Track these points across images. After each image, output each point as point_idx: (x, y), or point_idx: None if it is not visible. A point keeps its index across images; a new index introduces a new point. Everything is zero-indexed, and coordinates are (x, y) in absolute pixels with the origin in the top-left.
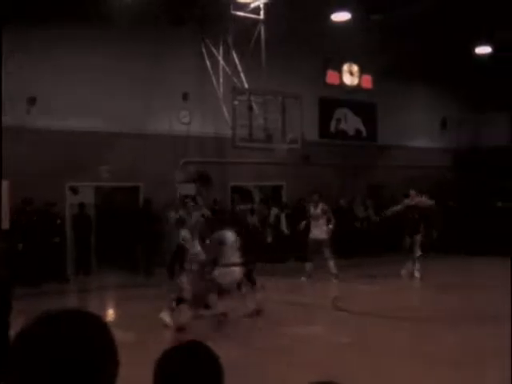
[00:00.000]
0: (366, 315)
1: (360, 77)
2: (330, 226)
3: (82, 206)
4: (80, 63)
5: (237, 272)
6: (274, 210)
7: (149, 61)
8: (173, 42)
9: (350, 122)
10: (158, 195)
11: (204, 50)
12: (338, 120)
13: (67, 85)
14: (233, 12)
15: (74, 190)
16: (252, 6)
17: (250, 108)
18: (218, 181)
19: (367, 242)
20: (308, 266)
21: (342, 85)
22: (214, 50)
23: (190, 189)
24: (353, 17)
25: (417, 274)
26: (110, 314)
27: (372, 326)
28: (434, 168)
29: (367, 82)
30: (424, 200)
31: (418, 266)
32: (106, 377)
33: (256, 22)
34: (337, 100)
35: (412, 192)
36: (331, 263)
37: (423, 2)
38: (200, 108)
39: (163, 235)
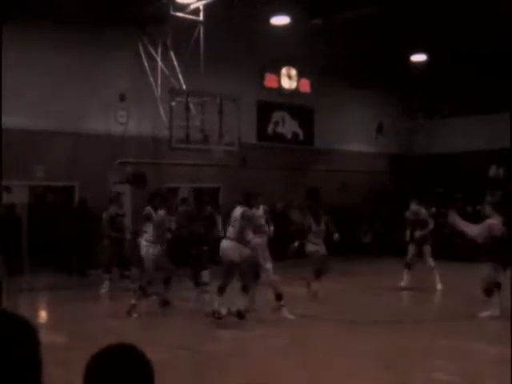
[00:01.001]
0: (302, 318)
1: (298, 81)
2: (271, 228)
3: (10, 207)
4: (15, 61)
5: None
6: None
7: (86, 60)
8: (111, 41)
9: (287, 126)
10: (93, 195)
11: (142, 51)
12: (276, 123)
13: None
14: (172, 13)
15: (8, 189)
16: (192, 7)
17: (188, 109)
18: (153, 182)
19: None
20: None
21: (280, 88)
22: (153, 51)
23: (124, 189)
24: (292, 21)
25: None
26: (42, 315)
27: (309, 329)
28: (369, 173)
29: (305, 85)
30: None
31: None
32: (29, 374)
33: (195, 23)
34: (275, 103)
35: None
36: (268, 265)
37: (362, 9)
38: (137, 108)
39: (97, 235)
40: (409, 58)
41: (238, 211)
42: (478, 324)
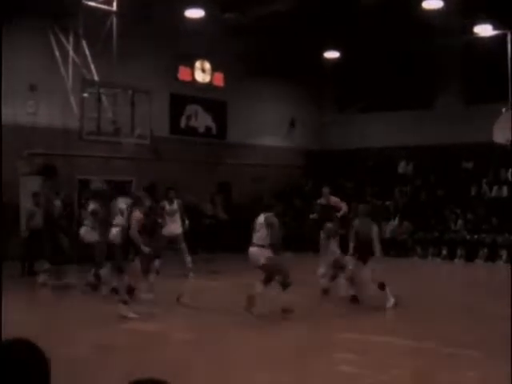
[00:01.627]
0: (210, 311)
1: (212, 74)
2: (187, 222)
3: None
4: None
5: None
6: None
7: None
8: (21, 30)
9: (200, 119)
10: (2, 187)
11: (53, 40)
12: (189, 117)
13: None
14: (84, 1)
15: None
16: None
17: (99, 101)
18: (64, 174)
19: (214, 239)
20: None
21: (193, 81)
22: (64, 40)
23: (35, 181)
24: (206, 14)
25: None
26: None
27: (215, 323)
28: (282, 167)
29: (219, 79)
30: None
31: None
32: None
33: (108, 13)
34: (188, 96)
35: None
36: (188, 258)
37: (277, 3)
38: (47, 99)
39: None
40: (322, 54)
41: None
42: (378, 316)
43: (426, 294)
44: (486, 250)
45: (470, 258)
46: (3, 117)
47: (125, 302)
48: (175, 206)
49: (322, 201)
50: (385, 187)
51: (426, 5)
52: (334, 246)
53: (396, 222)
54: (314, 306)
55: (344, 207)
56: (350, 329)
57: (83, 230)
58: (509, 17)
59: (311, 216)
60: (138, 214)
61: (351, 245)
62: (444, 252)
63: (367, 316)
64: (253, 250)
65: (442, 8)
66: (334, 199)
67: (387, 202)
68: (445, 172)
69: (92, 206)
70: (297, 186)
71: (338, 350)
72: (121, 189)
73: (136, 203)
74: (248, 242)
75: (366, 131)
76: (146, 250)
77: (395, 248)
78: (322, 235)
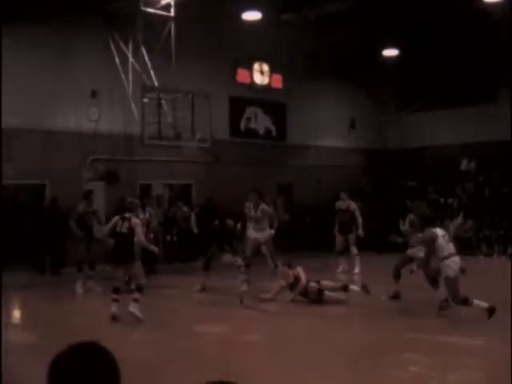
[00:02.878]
0: (274, 313)
1: (270, 76)
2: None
3: None
4: None
5: None
6: (184, 209)
7: (56, 57)
8: (81, 38)
9: (259, 121)
10: (65, 193)
11: (113, 47)
12: (248, 119)
13: None
14: (143, 8)
15: None
16: (163, 2)
17: (160, 106)
18: (126, 179)
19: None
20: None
21: (252, 84)
22: (124, 47)
23: (98, 187)
24: (264, 16)
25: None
26: (14, 314)
27: (279, 324)
28: (342, 167)
29: (277, 81)
30: (353, 203)
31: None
32: None
33: (167, 19)
34: (247, 99)
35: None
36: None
37: (333, 3)
38: (109, 105)
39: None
40: (381, 52)
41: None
42: (442, 316)
43: (491, 293)
44: None
45: None
46: (67, 124)
47: None
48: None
49: (340, 205)
50: (447, 185)
51: None
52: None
53: (460, 219)
54: (375, 304)
55: (357, 212)
56: (414, 328)
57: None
58: None
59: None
60: None
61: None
62: (510, 250)
63: (431, 315)
64: None
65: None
66: (353, 205)
67: (450, 200)
68: (509, 168)
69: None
70: (358, 186)
71: (405, 350)
72: (182, 192)
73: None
74: (309, 242)
75: (426, 129)
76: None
77: (460, 246)
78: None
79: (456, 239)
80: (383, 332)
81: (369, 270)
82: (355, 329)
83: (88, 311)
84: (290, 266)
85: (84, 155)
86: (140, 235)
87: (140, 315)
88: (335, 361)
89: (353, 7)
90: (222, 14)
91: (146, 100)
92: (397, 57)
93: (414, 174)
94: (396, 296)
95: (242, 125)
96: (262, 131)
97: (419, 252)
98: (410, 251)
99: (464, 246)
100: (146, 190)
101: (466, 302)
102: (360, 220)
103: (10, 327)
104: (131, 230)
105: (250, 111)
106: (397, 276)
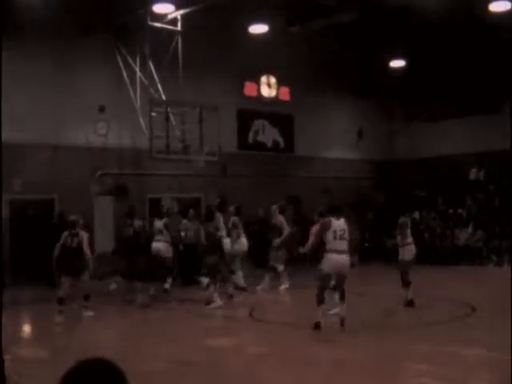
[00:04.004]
0: (283, 325)
1: (278, 88)
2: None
3: None
4: None
5: None
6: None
7: (63, 71)
8: (88, 52)
9: (267, 134)
10: (74, 208)
11: (120, 61)
12: (256, 131)
13: None
14: (150, 23)
15: None
16: (169, 17)
17: (167, 119)
18: (135, 193)
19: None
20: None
21: (259, 96)
22: (131, 61)
23: (108, 201)
24: (271, 29)
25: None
26: (25, 329)
27: (288, 337)
28: (351, 179)
29: (285, 93)
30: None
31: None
32: None
33: (173, 33)
34: (255, 111)
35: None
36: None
37: (340, 16)
38: (117, 119)
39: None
40: (388, 63)
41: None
42: (452, 327)
43: (501, 303)
44: None
45: None
46: (76, 139)
47: None
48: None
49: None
50: (457, 195)
51: (493, 7)
52: None
53: (470, 229)
54: (383, 316)
55: (286, 229)
56: (425, 340)
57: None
58: None
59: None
60: None
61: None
62: None
63: (441, 326)
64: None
65: (510, 9)
66: (280, 219)
67: (459, 210)
68: None
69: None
70: (368, 197)
71: (417, 361)
72: (190, 206)
73: None
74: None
75: (434, 139)
76: None
77: (470, 256)
78: None
79: (466, 249)
80: (395, 344)
81: (382, 282)
82: (366, 340)
83: (100, 325)
84: None
85: (93, 169)
86: (86, 248)
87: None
88: (346, 373)
89: (359, 18)
90: (229, 28)
91: (153, 114)
92: (404, 67)
93: (423, 184)
94: (410, 303)
95: (250, 137)
96: (269, 143)
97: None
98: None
99: (474, 256)
100: (155, 204)
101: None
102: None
103: (21, 341)
104: (79, 244)
105: (257, 124)
106: (405, 284)
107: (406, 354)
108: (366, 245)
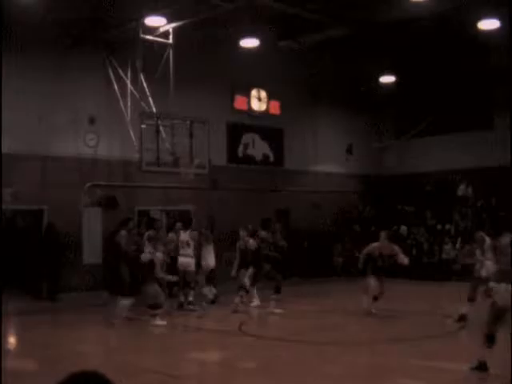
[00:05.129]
0: (272, 339)
1: (268, 102)
2: None
3: None
4: None
5: None
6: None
7: (55, 83)
8: (80, 64)
9: (257, 147)
10: (63, 219)
11: (112, 73)
12: (246, 145)
13: None
14: (141, 36)
15: None
16: (161, 30)
17: (158, 132)
18: (124, 205)
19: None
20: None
21: (249, 110)
22: (122, 74)
23: (97, 213)
24: (261, 43)
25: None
26: (11, 341)
27: (277, 351)
28: (340, 193)
29: (275, 107)
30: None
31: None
32: None
33: (165, 45)
34: (245, 125)
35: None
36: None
37: (330, 31)
38: (107, 131)
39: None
40: (378, 79)
41: None
42: (441, 341)
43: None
44: None
45: None
46: (66, 150)
47: None
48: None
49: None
50: (445, 211)
51: (482, 25)
52: None
53: (458, 245)
54: (372, 330)
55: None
56: (413, 354)
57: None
58: None
59: None
60: None
61: None
62: None
63: (429, 341)
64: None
65: (499, 27)
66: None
67: (447, 226)
68: (505, 194)
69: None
70: (355, 211)
71: (403, 376)
72: (180, 219)
73: None
74: (307, 268)
75: (423, 155)
76: None
77: (458, 272)
78: None
79: (455, 264)
80: (383, 358)
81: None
82: (354, 354)
83: (86, 338)
84: None
85: (82, 181)
86: None
87: None
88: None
89: (350, 34)
90: (220, 41)
91: (144, 126)
92: (394, 83)
93: (411, 200)
94: (462, 319)
95: (240, 151)
96: (259, 157)
97: None
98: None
99: (463, 272)
100: (143, 216)
101: None
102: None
103: (9, 353)
104: None
105: (247, 137)
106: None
107: (394, 368)
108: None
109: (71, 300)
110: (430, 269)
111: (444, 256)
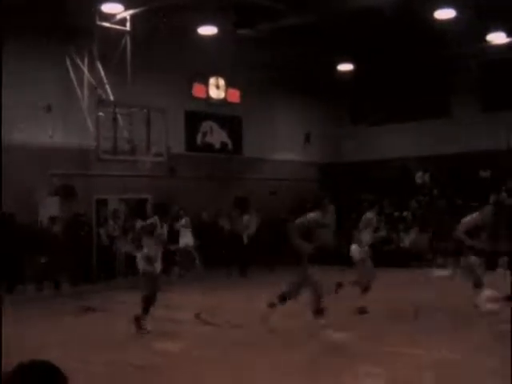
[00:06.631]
0: (230, 327)
1: (226, 90)
2: None
3: None
4: None
5: None
6: (140, 223)
7: (10, 70)
8: (36, 52)
9: (215, 135)
10: (21, 209)
11: (68, 61)
12: (205, 133)
13: None
14: (98, 23)
15: None
16: (118, 17)
17: (115, 120)
18: (82, 194)
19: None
20: None
21: (208, 98)
22: (79, 61)
23: (54, 202)
24: (220, 30)
25: None
26: None
27: (236, 339)
28: (298, 181)
29: (233, 95)
30: None
31: None
32: None
33: (122, 33)
34: (203, 113)
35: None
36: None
37: (289, 19)
38: (64, 119)
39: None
40: (335, 67)
41: None
42: (401, 328)
43: (448, 304)
44: (506, 258)
45: (490, 266)
46: (22, 138)
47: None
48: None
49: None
50: (402, 198)
51: (438, 14)
52: None
53: (414, 232)
54: (337, 318)
55: None
56: (372, 340)
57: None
58: None
59: None
60: None
61: None
62: (463, 262)
63: (387, 327)
64: None
65: (455, 17)
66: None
67: (405, 213)
68: (462, 181)
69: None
70: (313, 199)
71: (362, 362)
72: (138, 207)
73: None
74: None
75: (381, 143)
76: None
77: (415, 258)
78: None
79: (411, 251)
80: (344, 344)
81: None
82: (316, 341)
83: (43, 330)
84: None
85: (40, 170)
86: None
87: None
88: (293, 373)
89: (308, 22)
90: (178, 29)
91: (101, 114)
92: (352, 71)
93: (369, 187)
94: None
95: (199, 139)
96: (217, 145)
97: None
98: None
99: (419, 259)
100: (102, 205)
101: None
102: None
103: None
104: None
105: (205, 125)
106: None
107: (352, 354)
108: None
109: (29, 292)
110: (388, 256)
111: (401, 244)
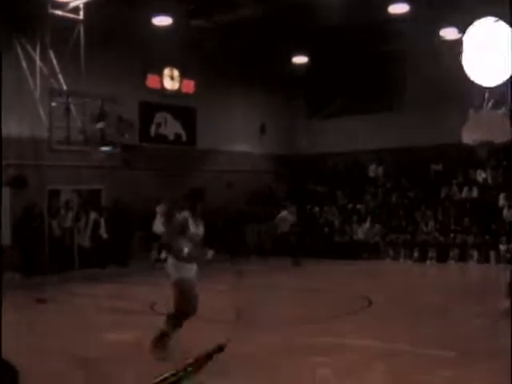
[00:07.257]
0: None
1: (181, 81)
2: None
3: None
4: None
5: None
6: (93, 214)
7: None
8: None
9: (169, 127)
10: None
11: (20, 50)
12: (158, 124)
13: None
14: (51, 10)
15: None
16: (71, 5)
17: (68, 110)
18: (34, 184)
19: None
20: None
21: (162, 89)
22: (31, 50)
23: (5, 193)
24: (174, 21)
25: None
26: None
27: (192, 330)
28: (253, 172)
29: (188, 86)
30: None
31: None
32: None
33: (75, 21)
34: (157, 104)
35: None
36: None
37: (244, 10)
38: (16, 109)
39: None
40: (291, 59)
41: None
42: (353, 320)
43: (399, 295)
44: (457, 251)
45: (441, 259)
46: None
47: None
48: None
49: None
50: (356, 191)
51: (391, 9)
52: None
53: (367, 224)
54: (286, 312)
55: None
56: (323, 333)
57: None
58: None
59: None
60: None
61: None
62: (416, 254)
63: (339, 319)
64: None
65: (408, 12)
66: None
67: (358, 206)
68: (415, 174)
69: None
70: (268, 191)
71: (314, 354)
72: (91, 198)
73: None
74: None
75: (335, 135)
76: None
77: (367, 251)
78: None
79: (364, 244)
80: (294, 337)
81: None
82: (266, 334)
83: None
84: None
85: None
86: None
87: None
88: (241, 366)
89: (264, 14)
90: (133, 19)
91: (54, 104)
92: (307, 64)
93: (323, 180)
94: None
95: (152, 130)
96: (171, 136)
97: None
98: None
99: (372, 251)
100: (54, 196)
101: None
102: None
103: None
104: None
105: (160, 116)
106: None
107: (304, 347)
108: None
109: None
110: (341, 248)
111: (354, 236)
